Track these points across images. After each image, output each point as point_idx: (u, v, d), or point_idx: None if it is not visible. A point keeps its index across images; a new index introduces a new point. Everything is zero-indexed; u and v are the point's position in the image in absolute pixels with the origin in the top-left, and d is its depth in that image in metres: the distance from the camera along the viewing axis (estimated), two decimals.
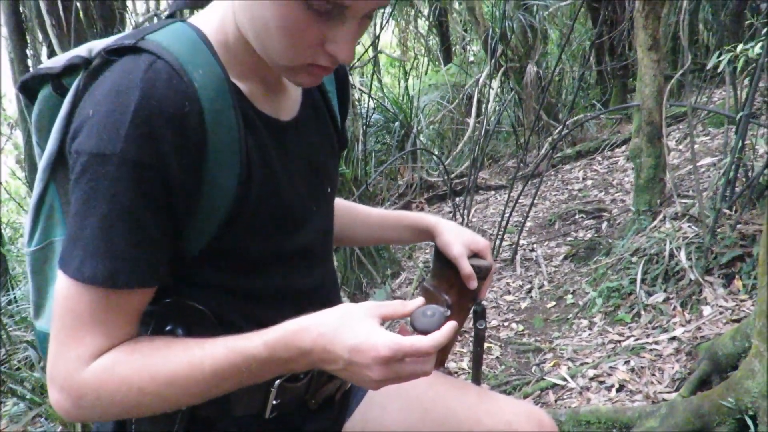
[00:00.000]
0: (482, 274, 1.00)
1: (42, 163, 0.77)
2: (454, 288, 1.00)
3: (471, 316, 1.04)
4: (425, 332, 0.69)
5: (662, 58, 2.70)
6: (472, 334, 1.12)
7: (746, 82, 2.63)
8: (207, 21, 0.74)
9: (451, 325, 0.69)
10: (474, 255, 1.01)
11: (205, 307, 0.77)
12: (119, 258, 0.65)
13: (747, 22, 4.51)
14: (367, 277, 3.43)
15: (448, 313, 0.77)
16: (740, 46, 2.02)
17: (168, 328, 0.76)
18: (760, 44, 2.00)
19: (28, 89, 0.78)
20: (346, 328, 0.66)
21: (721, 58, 2.17)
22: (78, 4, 2.87)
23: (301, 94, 0.86)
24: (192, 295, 0.77)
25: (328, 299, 0.91)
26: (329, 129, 0.93)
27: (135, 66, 0.65)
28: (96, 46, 0.73)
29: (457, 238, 1.00)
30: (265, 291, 0.82)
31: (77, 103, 0.70)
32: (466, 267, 0.97)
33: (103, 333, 0.67)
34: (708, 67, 2.30)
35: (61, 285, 0.67)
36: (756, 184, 2.34)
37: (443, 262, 1.01)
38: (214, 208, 0.71)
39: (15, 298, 3.38)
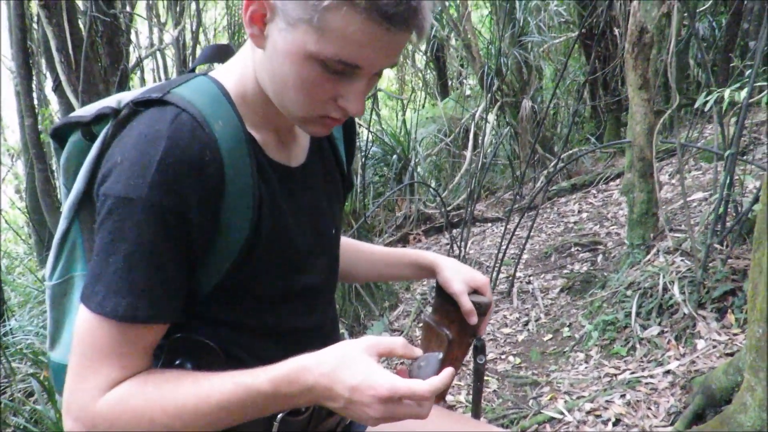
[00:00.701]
0: (482, 310, 1.03)
1: (68, 203, 0.82)
2: (454, 323, 1.03)
3: (471, 350, 1.07)
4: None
5: (652, 97, 2.79)
6: (472, 368, 1.15)
7: (734, 120, 2.72)
8: (227, 75, 0.80)
9: (449, 371, 0.73)
10: (474, 291, 1.05)
11: (213, 343, 0.81)
12: (139, 295, 0.69)
13: (732, 64, 4.65)
14: (365, 309, 3.45)
15: (441, 356, 0.80)
16: (727, 91, 2.10)
17: (178, 361, 0.80)
18: (746, 88, 2.09)
19: (58, 135, 0.84)
20: (346, 368, 0.69)
21: (707, 98, 2.26)
22: (86, 43, 2.96)
23: (309, 141, 0.92)
24: (201, 330, 0.81)
25: (330, 336, 0.96)
26: (335, 174, 0.98)
27: (161, 117, 0.71)
28: (125, 97, 0.80)
29: (458, 274, 1.04)
30: (272, 328, 0.86)
31: (106, 149, 0.75)
32: (466, 303, 1.01)
33: (120, 365, 0.71)
34: (696, 107, 2.37)
35: (82, 319, 0.71)
36: (745, 220, 2.40)
37: (444, 298, 1.05)
38: (227, 249, 0.76)
39: (11, 329, 3.36)
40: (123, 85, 3.44)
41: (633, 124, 2.95)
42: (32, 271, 5.49)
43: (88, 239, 0.82)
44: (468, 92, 8.72)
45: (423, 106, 9.18)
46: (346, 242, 1.16)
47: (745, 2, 5.64)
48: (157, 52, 7.39)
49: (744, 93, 2.04)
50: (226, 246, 0.76)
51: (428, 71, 9.47)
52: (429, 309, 1.09)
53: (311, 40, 0.66)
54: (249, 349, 0.84)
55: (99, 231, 0.70)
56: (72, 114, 0.84)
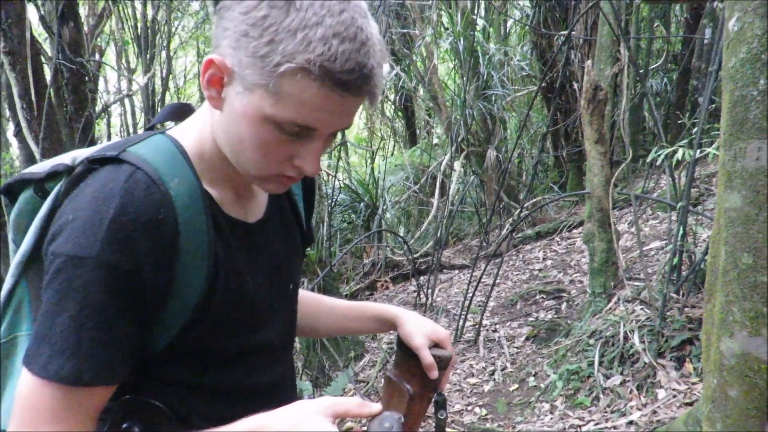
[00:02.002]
0: (443, 364, 1.03)
1: (16, 259, 0.80)
2: (416, 378, 1.03)
3: (432, 405, 1.07)
4: None
5: (608, 150, 2.90)
6: (434, 424, 1.14)
7: (685, 173, 2.84)
8: (185, 133, 0.81)
9: None
10: (435, 345, 1.06)
11: (164, 403, 0.78)
12: (86, 357, 0.67)
13: (680, 121, 4.90)
14: (330, 360, 3.39)
15: (403, 420, 0.79)
16: (678, 148, 2.21)
17: (125, 425, 0.77)
18: (693, 146, 2.20)
19: (10, 191, 0.83)
20: (301, 428, 0.68)
21: (659, 153, 2.36)
22: (51, 90, 2.95)
23: (268, 196, 0.92)
24: (151, 391, 0.78)
25: (286, 394, 0.94)
26: (294, 228, 0.99)
27: (116, 176, 0.71)
28: (80, 155, 0.79)
29: (419, 328, 1.04)
30: (226, 387, 0.84)
31: (57, 206, 0.74)
32: (427, 357, 1.01)
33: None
34: (648, 161, 2.48)
35: (25, 382, 0.68)
36: (699, 270, 2.48)
37: (405, 352, 1.05)
38: (181, 307, 0.75)
39: None
40: (87, 132, 3.41)
41: (591, 176, 3.06)
42: None
43: (35, 298, 0.80)
44: (436, 141, 8.92)
45: (392, 154, 9.34)
46: (308, 296, 1.15)
47: (693, 61, 6.00)
48: (126, 99, 7.39)
49: (690, 151, 2.14)
50: (181, 304, 0.74)
51: (397, 120, 9.68)
52: (392, 364, 1.09)
53: (267, 104, 0.68)
54: (203, 410, 0.81)
55: (46, 290, 0.69)
56: (25, 170, 0.83)
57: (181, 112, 0.92)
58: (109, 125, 7.18)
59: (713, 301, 1.75)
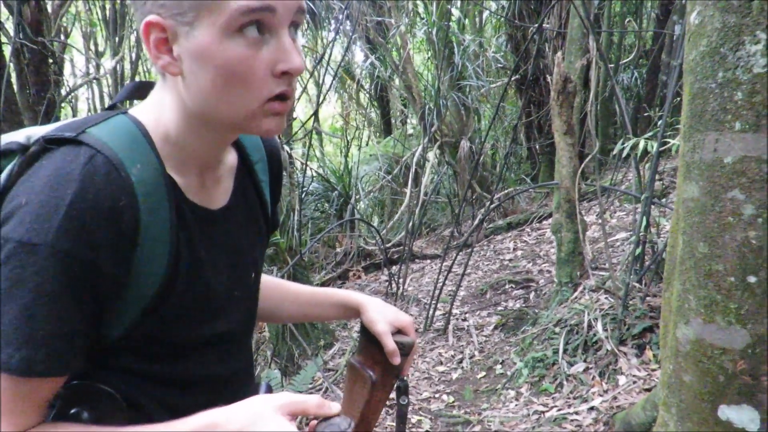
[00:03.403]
0: (405, 350, 1.04)
1: None
2: (378, 364, 1.03)
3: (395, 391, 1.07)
4: None
5: (576, 142, 2.94)
6: (396, 410, 1.15)
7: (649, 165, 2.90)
8: (148, 113, 0.76)
9: None
10: (398, 332, 1.06)
11: (115, 390, 0.77)
12: (37, 347, 0.65)
13: (646, 114, 4.99)
14: (299, 348, 3.39)
15: (352, 425, 0.79)
16: (641, 139, 2.26)
17: (73, 411, 0.75)
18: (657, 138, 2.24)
19: None
20: (256, 428, 0.67)
21: (624, 146, 2.40)
22: (13, 72, 2.85)
23: (233, 183, 0.90)
24: (103, 377, 0.76)
25: (243, 385, 0.92)
26: (259, 216, 0.97)
27: (74, 158, 0.67)
28: (34, 133, 0.75)
29: (382, 315, 1.04)
30: (182, 377, 0.82)
31: (9, 188, 0.71)
32: (389, 343, 1.01)
33: (11, 422, 0.66)
34: (613, 153, 2.53)
35: None
36: (661, 260, 2.54)
37: (368, 339, 1.05)
38: (139, 296, 0.72)
39: None
40: (50, 114, 3.31)
41: (560, 167, 3.10)
42: None
43: None
44: (410, 131, 8.92)
45: (367, 144, 9.31)
46: (272, 281, 1.14)
47: (662, 56, 6.12)
48: (94, 82, 7.19)
49: (653, 143, 2.19)
50: (138, 293, 0.72)
51: (372, 110, 9.64)
52: (355, 351, 1.09)
53: (215, 18, 0.65)
54: (157, 399, 0.79)
55: None
56: None
57: (144, 90, 0.88)
58: (75, 110, 6.98)
59: (671, 289, 1.80)
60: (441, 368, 3.24)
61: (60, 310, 0.65)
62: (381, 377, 1.03)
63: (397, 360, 1.01)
